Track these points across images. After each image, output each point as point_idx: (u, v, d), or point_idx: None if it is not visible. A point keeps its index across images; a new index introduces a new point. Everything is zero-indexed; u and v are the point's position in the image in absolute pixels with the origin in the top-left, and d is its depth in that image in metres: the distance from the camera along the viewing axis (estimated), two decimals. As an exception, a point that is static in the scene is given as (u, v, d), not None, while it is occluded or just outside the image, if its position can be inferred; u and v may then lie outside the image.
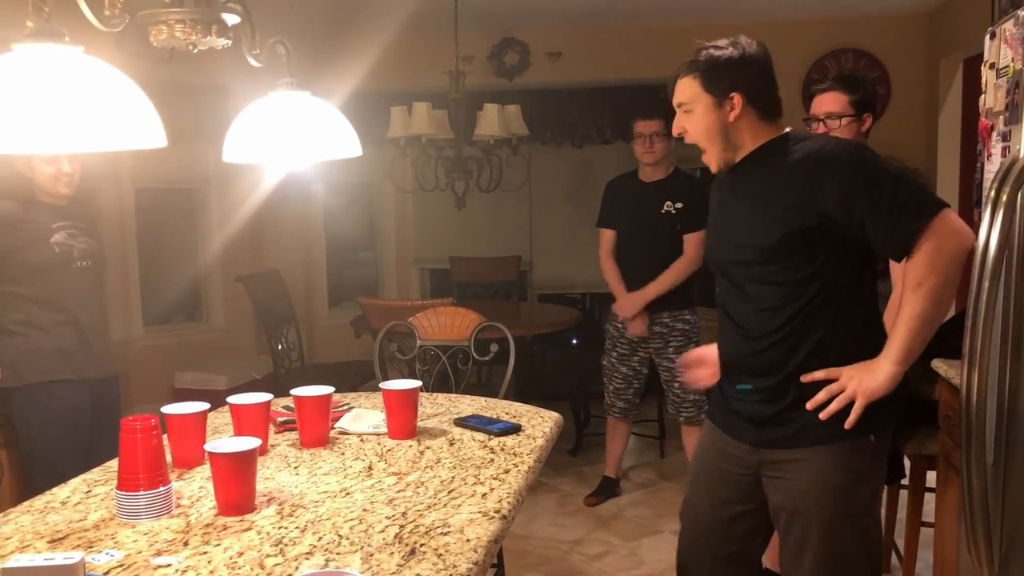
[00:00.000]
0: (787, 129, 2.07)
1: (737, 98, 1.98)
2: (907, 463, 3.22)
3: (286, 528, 1.68)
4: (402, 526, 1.67)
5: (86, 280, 3.20)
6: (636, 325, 4.11)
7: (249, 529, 1.68)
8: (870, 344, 1.98)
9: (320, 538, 1.63)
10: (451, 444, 2.20)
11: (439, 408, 2.56)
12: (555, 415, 2.45)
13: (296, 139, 2.04)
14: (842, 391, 1.95)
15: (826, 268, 1.97)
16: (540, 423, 2.38)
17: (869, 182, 1.90)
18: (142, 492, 1.73)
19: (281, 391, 3.59)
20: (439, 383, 3.25)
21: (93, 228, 3.31)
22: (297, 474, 2.00)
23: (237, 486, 1.75)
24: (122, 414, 2.85)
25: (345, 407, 2.48)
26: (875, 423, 2.00)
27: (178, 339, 6.04)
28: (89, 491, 1.91)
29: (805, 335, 1.99)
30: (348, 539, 1.62)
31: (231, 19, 1.74)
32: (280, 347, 5.23)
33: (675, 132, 2.10)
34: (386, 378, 3.18)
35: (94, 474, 2.04)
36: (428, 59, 5.42)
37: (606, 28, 5.88)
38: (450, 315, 3.22)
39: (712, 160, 2.07)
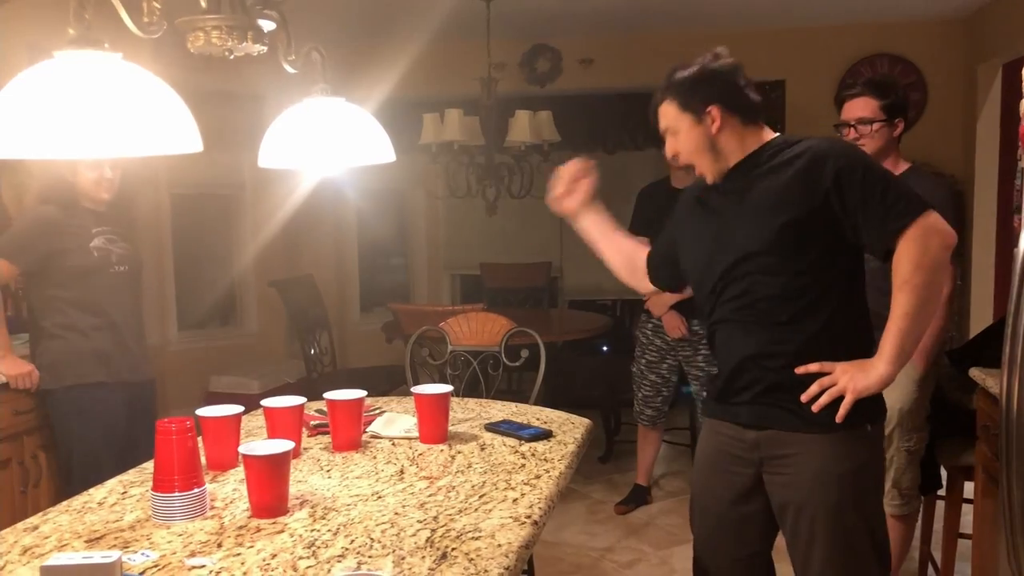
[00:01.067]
0: (774, 135, 2.10)
1: (715, 110, 2.02)
2: (944, 474, 3.17)
3: (318, 531, 1.69)
4: (433, 530, 1.68)
5: (123, 284, 3.25)
6: (672, 324, 4.07)
7: (282, 531, 1.70)
8: (861, 344, 2.03)
9: (352, 541, 1.64)
10: (482, 449, 2.20)
11: (470, 413, 2.56)
12: (586, 421, 2.45)
13: (331, 145, 2.06)
14: (833, 384, 1.97)
15: (821, 262, 1.99)
16: (571, 429, 2.37)
17: (864, 174, 1.96)
18: (177, 493, 1.75)
19: (314, 395, 3.59)
20: (469, 388, 3.26)
21: (130, 233, 3.36)
22: (329, 477, 2.01)
23: (270, 488, 1.77)
24: (157, 417, 2.89)
25: (377, 411, 2.49)
26: (870, 413, 2.03)
27: (212, 343, 6.10)
28: (125, 492, 1.94)
29: (801, 328, 2.00)
30: (380, 542, 1.63)
31: (267, 25, 1.76)
32: (313, 351, 5.27)
33: (668, 155, 2.15)
34: (417, 383, 3.19)
35: (130, 475, 2.07)
36: (461, 66, 5.44)
37: (638, 35, 5.87)
38: (481, 320, 3.23)
39: (707, 172, 2.10)
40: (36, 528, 1.73)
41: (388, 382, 5.00)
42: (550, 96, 6.05)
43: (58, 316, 3.15)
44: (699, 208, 2.19)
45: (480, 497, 1.86)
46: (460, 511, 1.78)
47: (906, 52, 5.64)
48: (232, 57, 1.75)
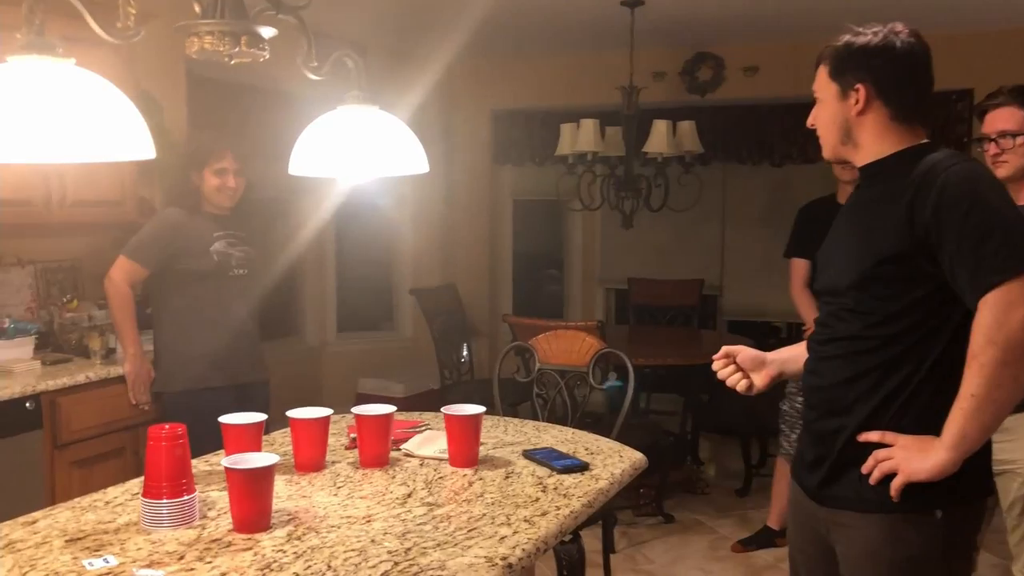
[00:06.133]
0: (922, 140, 1.77)
1: (862, 90, 1.74)
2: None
3: (284, 552, 1.63)
4: (396, 563, 1.57)
5: (240, 288, 3.35)
6: None
7: (249, 549, 1.65)
8: (945, 415, 1.65)
9: (308, 567, 1.56)
10: (506, 477, 2.07)
11: (520, 436, 2.43)
12: (637, 456, 2.25)
13: (363, 153, 2.01)
14: (888, 459, 1.67)
15: (920, 308, 1.68)
16: (614, 463, 2.19)
17: (969, 209, 1.61)
18: (164, 500, 1.75)
19: (442, 404, 3.59)
20: (563, 408, 3.11)
21: (255, 237, 3.45)
22: (335, 495, 1.95)
23: (249, 503, 1.73)
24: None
25: (423, 428, 2.42)
26: (943, 496, 1.67)
27: (368, 346, 6.27)
28: (138, 493, 1.95)
29: (880, 379, 1.71)
30: (335, 571, 1.55)
31: (267, 32, 1.72)
32: (461, 359, 5.30)
33: (808, 123, 1.89)
34: (503, 401, 3.10)
35: (157, 476, 2.09)
36: (616, 75, 5.26)
37: (805, 41, 5.47)
38: (569, 339, 3.09)
39: (825, 149, 1.85)
40: (34, 523, 1.78)
41: (516, 395, 4.92)
42: (712, 105, 5.79)
43: (173, 319, 3.29)
44: (840, 212, 1.92)
45: (470, 531, 1.73)
46: (438, 544, 1.66)
47: (1122, 55, 4.93)
48: (233, 63, 1.74)
